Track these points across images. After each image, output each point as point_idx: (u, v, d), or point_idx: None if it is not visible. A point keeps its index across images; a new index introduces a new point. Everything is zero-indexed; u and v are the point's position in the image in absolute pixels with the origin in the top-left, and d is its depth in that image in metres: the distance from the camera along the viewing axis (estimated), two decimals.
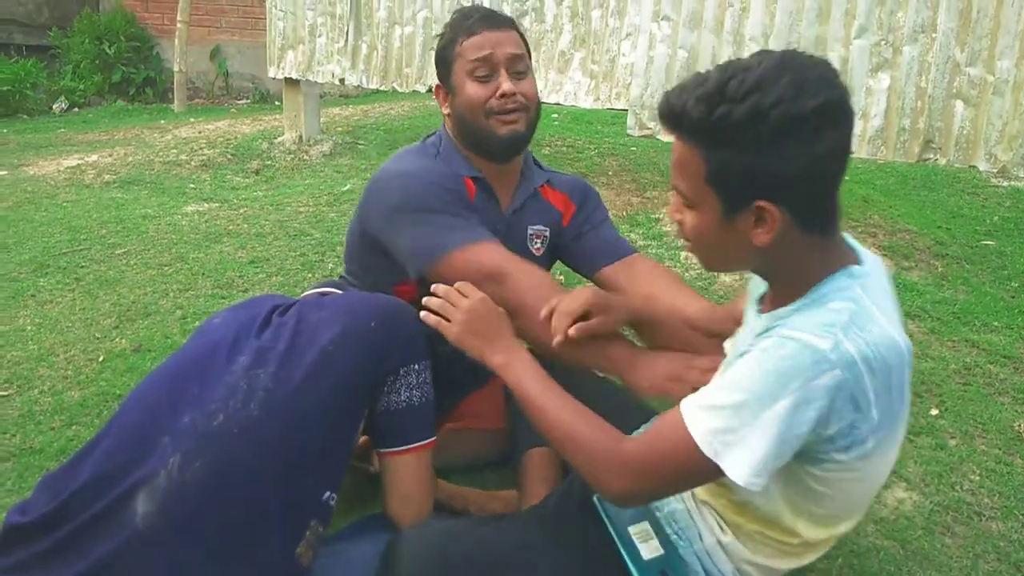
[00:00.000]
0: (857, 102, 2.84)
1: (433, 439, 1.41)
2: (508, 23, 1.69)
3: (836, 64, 2.79)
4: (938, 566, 1.65)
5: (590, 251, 1.78)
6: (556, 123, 5.10)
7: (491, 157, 1.69)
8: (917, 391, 2.30)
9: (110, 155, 4.85)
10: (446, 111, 1.72)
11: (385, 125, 5.32)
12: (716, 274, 2.84)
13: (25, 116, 6.98)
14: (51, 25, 7.91)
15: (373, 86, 4.18)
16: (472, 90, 1.64)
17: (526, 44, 1.72)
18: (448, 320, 1.34)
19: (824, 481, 1.08)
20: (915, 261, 3.17)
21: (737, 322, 1.28)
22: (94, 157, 4.82)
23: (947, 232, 3.58)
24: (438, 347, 1.64)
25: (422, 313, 1.37)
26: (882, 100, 2.80)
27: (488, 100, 1.63)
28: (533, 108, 1.68)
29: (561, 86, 3.56)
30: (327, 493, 1.19)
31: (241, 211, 3.67)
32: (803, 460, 1.05)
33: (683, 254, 3.05)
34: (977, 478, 1.94)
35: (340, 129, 5.12)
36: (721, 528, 1.21)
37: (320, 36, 4.34)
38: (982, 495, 1.88)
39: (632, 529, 1.22)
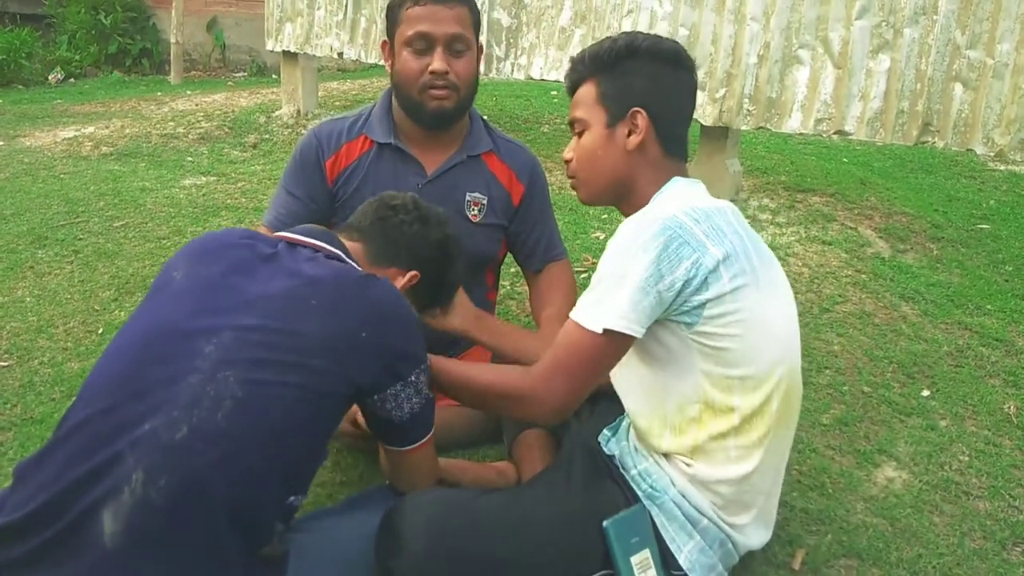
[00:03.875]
0: (856, 83, 2.84)
1: (430, 435, 1.36)
2: None
3: (837, 45, 2.83)
4: (926, 543, 1.68)
5: (528, 251, 1.92)
6: (555, 101, 5.07)
7: (419, 125, 1.77)
8: (909, 372, 2.32)
9: (107, 127, 4.83)
10: (388, 68, 1.79)
11: None
12: None
13: (20, 86, 6.93)
14: None
15: (371, 60, 4.15)
16: (407, 62, 1.70)
17: (476, 18, 1.75)
18: None
19: (717, 336, 1.24)
20: (911, 244, 3.18)
21: None
22: (91, 129, 4.80)
23: (943, 215, 3.59)
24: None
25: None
26: (882, 82, 2.80)
27: (421, 74, 1.69)
28: (465, 87, 1.73)
29: (561, 63, 3.54)
30: (293, 497, 1.15)
31: (239, 185, 3.67)
32: (690, 324, 1.23)
33: None
34: (966, 458, 1.97)
35: (338, 103, 5.09)
36: (686, 464, 1.29)
37: (319, 9, 4.31)
38: (970, 475, 1.91)
39: (634, 559, 1.26)
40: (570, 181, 1.47)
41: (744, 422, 1.27)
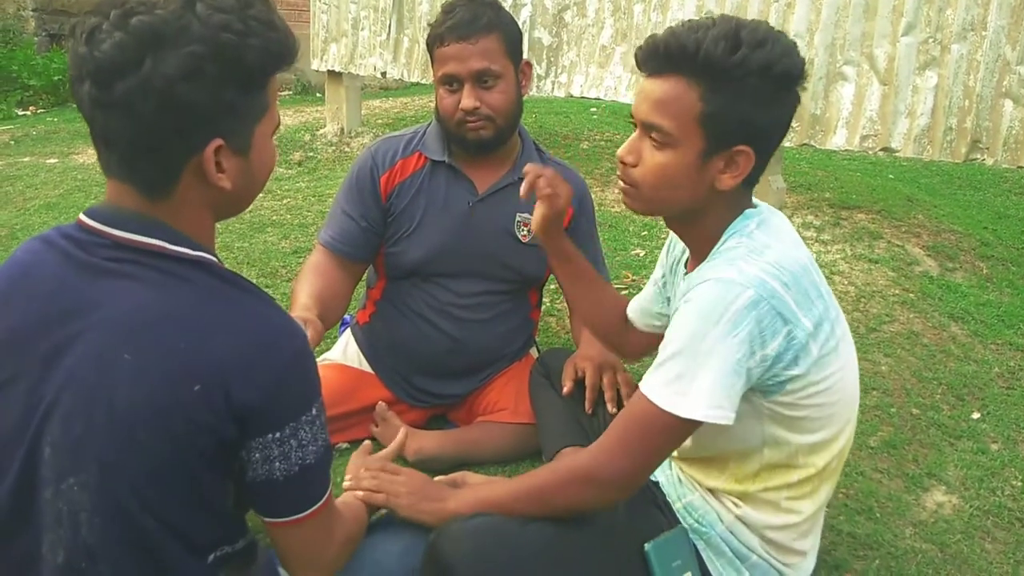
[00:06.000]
0: (903, 100, 2.81)
1: (317, 507, 1.06)
2: (480, 29, 1.71)
3: (883, 62, 2.79)
4: (977, 571, 1.63)
5: None
6: (595, 117, 5.08)
7: (464, 152, 1.82)
8: (959, 394, 2.27)
9: None
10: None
11: (425, 117, 5.32)
12: None
13: (75, 106, 7.15)
14: None
15: (414, 80, 4.21)
16: (443, 98, 1.77)
17: (511, 41, 1.76)
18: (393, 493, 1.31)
19: (797, 406, 1.15)
20: (959, 262, 3.12)
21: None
22: None
23: (993, 233, 3.51)
24: (433, 344, 1.85)
25: (360, 494, 1.30)
26: (929, 99, 2.76)
27: (456, 111, 1.74)
28: (501, 116, 1.76)
29: (602, 81, 3.56)
30: (213, 555, 1.03)
31: (284, 201, 3.73)
32: (768, 393, 1.14)
33: None
34: (1019, 483, 1.92)
35: (380, 121, 5.17)
36: (735, 504, 1.26)
37: (363, 29, 4.39)
38: (1023, 501, 1.86)
39: None
40: (622, 185, 1.23)
41: (802, 480, 1.23)
